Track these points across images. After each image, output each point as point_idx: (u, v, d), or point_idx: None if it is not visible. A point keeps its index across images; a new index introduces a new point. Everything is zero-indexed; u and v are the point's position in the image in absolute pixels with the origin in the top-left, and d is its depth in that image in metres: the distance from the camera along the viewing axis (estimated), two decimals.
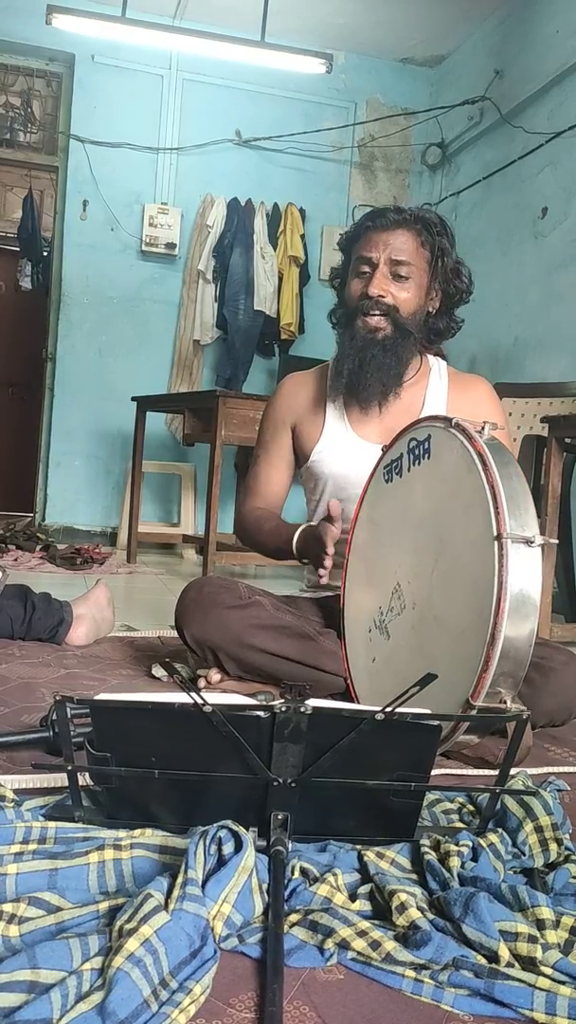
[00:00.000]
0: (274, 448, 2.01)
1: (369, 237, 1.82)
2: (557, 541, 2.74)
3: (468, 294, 1.90)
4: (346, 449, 1.92)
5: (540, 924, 0.89)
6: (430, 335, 1.90)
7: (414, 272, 1.81)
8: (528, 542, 1.28)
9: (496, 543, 1.28)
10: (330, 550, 1.63)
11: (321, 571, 1.67)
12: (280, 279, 5.61)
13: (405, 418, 1.75)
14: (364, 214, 1.88)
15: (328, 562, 1.65)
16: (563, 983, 0.82)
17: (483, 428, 1.41)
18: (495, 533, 1.28)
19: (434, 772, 1.25)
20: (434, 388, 1.92)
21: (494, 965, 0.83)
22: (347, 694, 1.71)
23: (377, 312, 1.81)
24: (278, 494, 2.02)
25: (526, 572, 1.28)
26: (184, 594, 1.84)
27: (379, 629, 1.59)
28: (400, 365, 1.84)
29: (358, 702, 1.62)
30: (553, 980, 0.82)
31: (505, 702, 1.29)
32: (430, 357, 1.96)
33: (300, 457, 2.00)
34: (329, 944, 0.86)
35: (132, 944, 0.76)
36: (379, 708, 1.00)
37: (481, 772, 1.48)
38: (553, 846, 1.08)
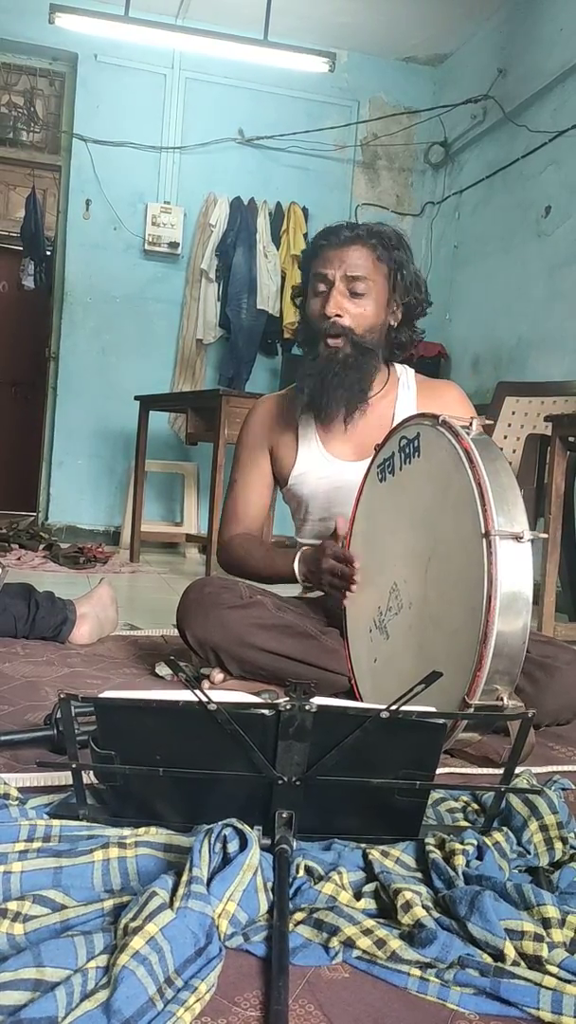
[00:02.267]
0: (251, 470, 2.01)
1: (325, 255, 1.80)
2: (547, 535, 2.72)
3: (426, 306, 1.89)
4: (322, 470, 1.93)
5: (546, 923, 0.88)
6: (393, 348, 1.89)
7: (371, 287, 1.80)
8: (517, 538, 1.28)
9: (484, 540, 1.28)
10: (357, 578, 1.62)
11: (346, 602, 1.68)
12: (283, 278, 5.61)
13: (376, 433, 1.76)
14: (319, 232, 1.87)
15: (358, 578, 1.63)
16: (569, 982, 0.82)
17: (471, 424, 1.40)
18: (483, 531, 1.28)
19: (438, 771, 1.24)
20: (403, 399, 1.91)
21: (500, 964, 0.83)
22: (351, 693, 1.71)
23: (333, 333, 1.81)
24: (257, 516, 2.02)
25: (516, 569, 1.28)
26: (185, 595, 1.84)
27: (379, 629, 1.59)
28: (363, 381, 1.84)
29: (362, 702, 1.62)
30: (559, 979, 0.82)
31: (502, 699, 1.29)
32: (397, 367, 1.95)
33: (279, 480, 2.01)
34: (334, 942, 0.85)
35: (137, 942, 0.76)
36: (384, 707, 1.00)
37: (486, 771, 1.48)
38: (558, 845, 1.08)
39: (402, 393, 1.92)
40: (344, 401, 1.83)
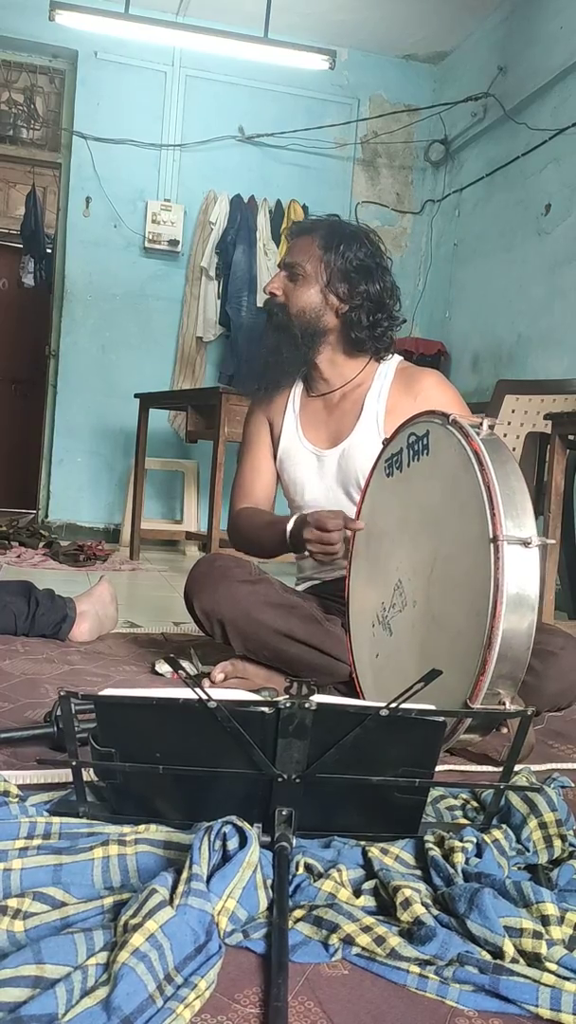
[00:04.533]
0: (257, 447, 2.05)
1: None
2: (555, 541, 2.72)
3: (366, 302, 1.85)
4: (298, 454, 1.97)
5: (545, 920, 0.89)
6: (350, 343, 1.89)
7: (305, 272, 1.85)
8: (525, 543, 1.27)
9: (492, 545, 1.27)
10: (335, 535, 1.64)
11: (349, 595, 1.69)
12: None
13: (347, 421, 1.88)
14: None
15: (336, 547, 1.65)
16: (568, 979, 0.82)
17: (481, 424, 1.40)
18: (491, 535, 1.27)
19: (438, 768, 1.25)
20: (375, 388, 1.92)
21: (499, 961, 0.83)
22: (351, 684, 1.71)
23: (269, 308, 1.91)
24: (264, 490, 2.05)
25: (523, 575, 1.27)
26: (195, 567, 1.86)
27: (382, 625, 1.59)
28: (289, 358, 1.89)
29: (363, 697, 1.62)
30: (558, 976, 0.82)
31: (504, 704, 1.28)
32: (386, 360, 1.95)
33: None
34: (334, 939, 0.86)
35: (137, 939, 0.76)
36: (384, 704, 1.00)
37: (485, 768, 1.48)
38: (557, 842, 1.08)
39: (376, 383, 1.93)
40: (278, 374, 1.93)
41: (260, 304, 5.47)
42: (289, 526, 1.79)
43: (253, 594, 1.78)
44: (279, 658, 1.78)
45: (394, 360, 1.96)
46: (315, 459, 1.94)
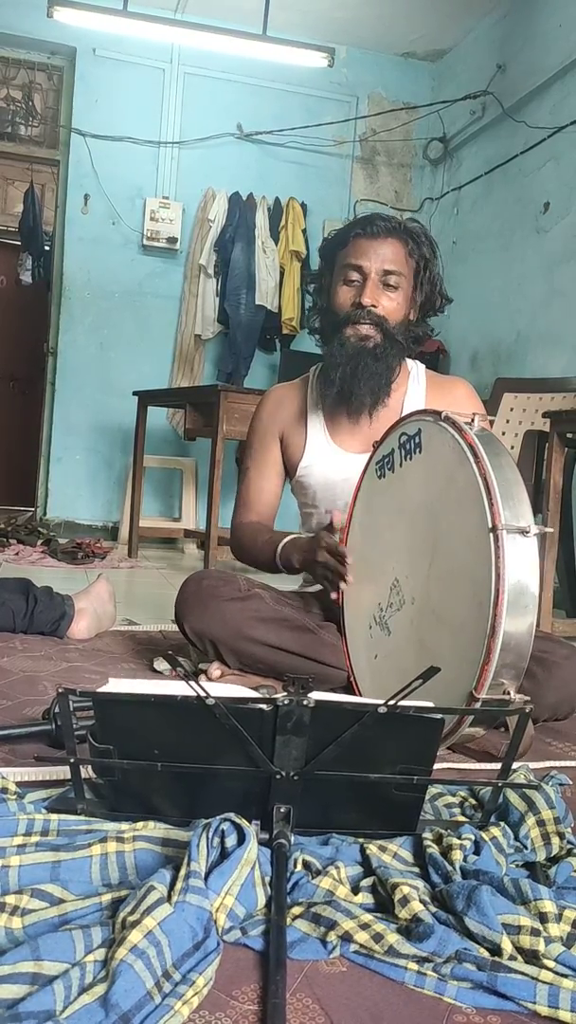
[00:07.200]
0: (263, 459, 2.01)
1: (359, 245, 1.80)
2: (552, 529, 2.72)
3: (446, 303, 1.92)
4: (330, 461, 1.93)
5: (543, 917, 0.89)
6: (409, 343, 1.90)
7: (402, 282, 1.81)
8: (523, 532, 1.28)
9: (491, 535, 1.28)
10: (349, 577, 1.62)
11: (334, 595, 1.68)
12: (281, 274, 5.61)
13: (385, 426, 1.76)
14: (351, 222, 1.86)
15: (350, 578, 1.63)
16: (565, 976, 0.82)
17: (473, 420, 1.41)
18: (490, 525, 1.28)
19: (436, 766, 1.25)
20: (412, 393, 1.92)
21: (497, 958, 0.83)
22: (349, 689, 1.71)
23: (368, 321, 1.80)
24: (270, 503, 2.03)
25: (523, 562, 1.28)
26: (183, 587, 1.84)
27: (379, 625, 1.59)
28: (389, 373, 1.84)
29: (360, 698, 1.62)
30: (556, 973, 0.82)
31: (508, 693, 1.29)
32: (408, 361, 1.96)
33: (288, 469, 2.01)
34: (332, 937, 0.86)
35: (135, 936, 0.76)
36: (382, 701, 1.00)
37: (483, 766, 1.48)
38: (555, 840, 1.08)
39: (412, 387, 1.92)
40: (371, 392, 1.83)
41: (259, 302, 5.47)
42: (281, 550, 1.80)
43: (243, 611, 1.77)
44: (274, 671, 1.77)
45: (418, 365, 1.97)
46: (348, 464, 1.89)
